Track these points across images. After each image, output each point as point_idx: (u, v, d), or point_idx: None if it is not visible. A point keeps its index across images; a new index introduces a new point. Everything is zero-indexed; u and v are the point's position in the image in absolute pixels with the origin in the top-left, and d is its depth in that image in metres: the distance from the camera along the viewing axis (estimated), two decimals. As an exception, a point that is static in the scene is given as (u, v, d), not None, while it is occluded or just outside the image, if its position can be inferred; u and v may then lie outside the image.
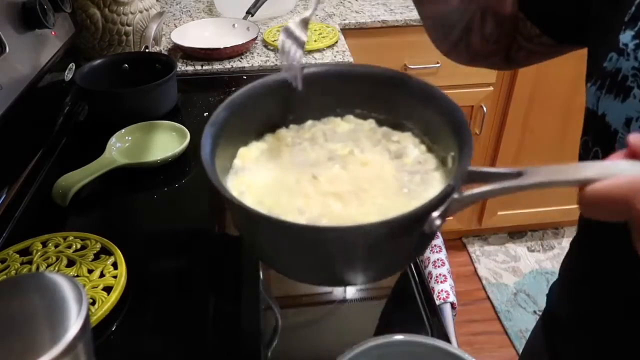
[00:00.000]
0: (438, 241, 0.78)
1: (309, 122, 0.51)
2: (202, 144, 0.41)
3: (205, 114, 1.03)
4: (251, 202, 0.43)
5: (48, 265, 0.65)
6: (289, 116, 0.51)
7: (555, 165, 0.35)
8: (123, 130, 0.89)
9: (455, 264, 1.99)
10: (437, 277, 0.78)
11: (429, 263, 0.80)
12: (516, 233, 2.08)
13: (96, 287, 0.62)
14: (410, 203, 0.41)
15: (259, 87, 0.48)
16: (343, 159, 0.47)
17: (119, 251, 0.67)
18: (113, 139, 0.86)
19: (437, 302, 0.69)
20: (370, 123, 0.51)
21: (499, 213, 1.89)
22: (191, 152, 0.88)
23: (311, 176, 0.45)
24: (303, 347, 0.58)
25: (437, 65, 1.53)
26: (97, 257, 0.67)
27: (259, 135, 0.50)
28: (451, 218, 1.89)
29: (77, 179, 0.78)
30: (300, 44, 0.47)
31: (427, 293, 0.66)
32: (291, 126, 0.51)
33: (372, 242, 0.36)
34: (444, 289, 0.72)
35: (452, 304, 0.69)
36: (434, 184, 0.43)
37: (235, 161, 0.48)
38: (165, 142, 0.89)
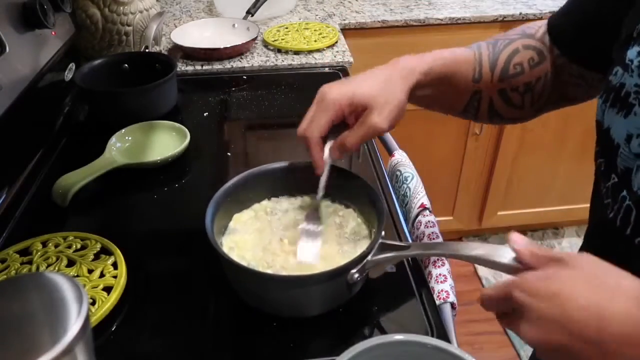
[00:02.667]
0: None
1: (284, 197, 0.71)
2: (206, 216, 0.60)
3: (205, 114, 1.03)
4: (236, 255, 0.62)
5: (48, 265, 0.65)
6: (271, 193, 0.71)
7: (435, 242, 0.58)
8: (123, 130, 0.89)
9: (455, 264, 1.96)
10: (437, 277, 0.78)
11: (429, 263, 0.80)
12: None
13: (96, 287, 0.62)
14: (344, 261, 0.56)
15: (250, 175, 0.68)
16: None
17: (118, 251, 0.67)
18: (113, 139, 0.86)
19: (437, 302, 0.68)
20: (327, 200, 0.69)
21: (499, 213, 1.89)
22: (191, 152, 0.88)
23: (279, 239, 0.65)
24: (302, 348, 0.58)
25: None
26: (97, 257, 0.67)
27: (249, 205, 0.70)
28: (451, 218, 1.89)
29: (77, 179, 0.78)
30: (317, 234, 0.63)
31: (427, 293, 0.66)
32: (272, 199, 0.71)
33: (312, 285, 0.56)
34: (444, 289, 0.72)
35: (452, 304, 0.69)
36: (362, 248, 0.60)
37: (230, 223, 0.67)
38: (165, 142, 0.89)
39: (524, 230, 2.07)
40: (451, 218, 1.89)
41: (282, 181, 0.70)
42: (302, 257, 0.61)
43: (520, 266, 0.50)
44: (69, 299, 0.30)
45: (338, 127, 0.59)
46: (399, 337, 0.47)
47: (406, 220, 0.87)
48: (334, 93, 0.57)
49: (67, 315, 0.29)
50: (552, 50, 0.59)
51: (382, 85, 0.57)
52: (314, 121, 0.58)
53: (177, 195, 0.83)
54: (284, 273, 0.60)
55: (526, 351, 1.64)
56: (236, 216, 0.68)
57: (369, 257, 0.57)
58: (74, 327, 0.29)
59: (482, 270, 1.92)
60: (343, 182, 0.69)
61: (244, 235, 0.66)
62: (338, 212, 0.69)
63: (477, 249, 0.53)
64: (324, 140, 0.60)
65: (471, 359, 0.45)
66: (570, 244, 2.03)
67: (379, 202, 0.63)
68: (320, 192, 0.62)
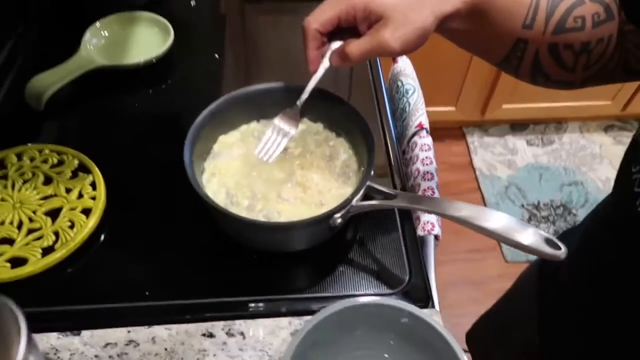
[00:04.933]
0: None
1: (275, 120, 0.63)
2: (184, 149, 0.57)
3: (192, 3, 0.93)
4: (217, 182, 0.61)
5: (24, 182, 0.64)
6: (262, 115, 0.67)
7: (423, 196, 0.61)
8: (98, 24, 0.80)
9: (452, 153, 1.98)
10: (425, 189, 0.77)
11: (419, 189, 0.78)
12: (518, 125, 2.04)
13: (74, 209, 0.61)
14: (333, 199, 0.59)
15: (237, 96, 0.64)
16: (294, 158, 0.63)
17: (97, 170, 0.65)
18: (87, 34, 0.78)
19: (421, 234, 0.68)
20: (319, 126, 0.67)
21: (504, 106, 1.83)
22: (177, 50, 0.81)
23: (265, 172, 0.62)
24: (280, 281, 0.59)
25: None
26: (74, 175, 0.65)
27: (236, 125, 0.66)
28: (454, 109, 1.83)
29: (51, 80, 0.72)
30: (286, 135, 0.59)
31: (410, 226, 0.65)
32: (261, 121, 0.67)
33: (294, 230, 0.56)
34: (430, 220, 0.71)
35: (436, 237, 0.69)
36: (351, 185, 0.61)
37: (215, 146, 0.64)
38: (146, 38, 0.82)
39: (526, 123, 2.03)
40: (454, 109, 1.84)
41: (275, 103, 0.64)
42: (261, 154, 0.59)
43: (502, 235, 0.49)
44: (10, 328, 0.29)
45: (350, 34, 0.52)
46: (364, 299, 0.47)
47: (399, 137, 0.83)
48: None
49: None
50: (621, 13, 0.49)
51: (409, 1, 0.49)
52: (318, 12, 0.52)
53: (162, 102, 0.78)
54: (265, 205, 0.58)
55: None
56: (221, 138, 0.65)
57: (353, 203, 0.55)
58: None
59: (478, 162, 1.93)
60: (335, 109, 0.64)
61: (228, 161, 0.63)
62: (329, 142, 0.65)
63: (463, 209, 0.51)
64: (329, 40, 0.54)
65: (415, 309, 0.45)
66: (570, 139, 2.01)
67: (370, 140, 0.59)
68: (305, 95, 0.57)
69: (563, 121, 2.04)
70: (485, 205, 1.82)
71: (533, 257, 0.81)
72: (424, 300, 0.56)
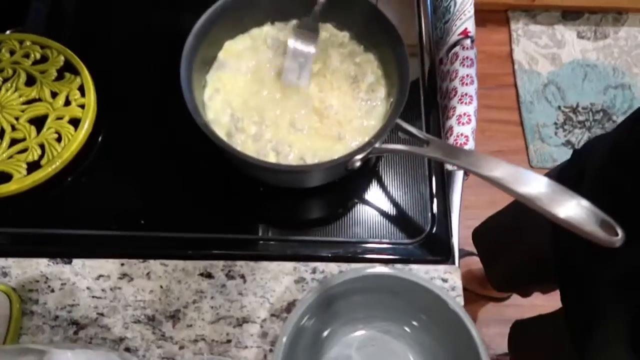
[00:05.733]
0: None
1: (293, 22, 0.55)
2: (182, 59, 0.47)
3: None
4: (221, 100, 0.52)
5: (4, 80, 0.56)
6: (278, 15, 0.55)
7: (459, 148, 0.52)
8: None
9: (492, 42, 1.80)
10: (460, 116, 0.68)
11: (454, 95, 0.69)
12: (571, 13, 1.81)
13: (61, 119, 0.54)
14: (351, 131, 0.51)
15: None
16: (312, 76, 0.53)
17: (86, 71, 0.56)
18: None
19: (450, 168, 0.61)
20: (344, 36, 0.56)
21: (560, -9, 1.60)
22: None
23: (278, 91, 0.53)
24: (288, 217, 0.53)
25: None
26: (60, 75, 0.56)
27: (246, 29, 0.55)
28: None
29: (30, -51, 0.60)
30: (306, 56, 0.52)
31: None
32: (276, 23, 0.56)
33: (309, 173, 0.50)
34: (464, 133, 0.62)
35: (465, 172, 0.62)
36: (375, 117, 0.52)
37: (220, 54, 0.54)
38: None
39: (580, 11, 1.80)
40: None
41: (293, 1, 0.53)
42: (287, 80, 0.53)
43: (538, 204, 0.41)
44: None
45: None
46: (370, 270, 0.42)
47: (438, 41, 0.71)
48: None
49: None
50: None
51: None
52: None
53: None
54: (275, 135, 0.50)
55: (535, 145, 1.62)
56: (228, 44, 0.55)
57: (377, 145, 0.47)
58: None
59: (518, 54, 1.75)
60: (364, 16, 0.53)
61: (235, 75, 0.54)
62: (354, 58, 0.55)
63: (498, 168, 0.43)
64: None
65: (419, 279, 0.41)
66: (627, 34, 1.79)
67: (404, 64, 0.49)
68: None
69: (624, 12, 1.81)
70: (518, 104, 1.70)
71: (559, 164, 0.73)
72: (445, 254, 0.51)
